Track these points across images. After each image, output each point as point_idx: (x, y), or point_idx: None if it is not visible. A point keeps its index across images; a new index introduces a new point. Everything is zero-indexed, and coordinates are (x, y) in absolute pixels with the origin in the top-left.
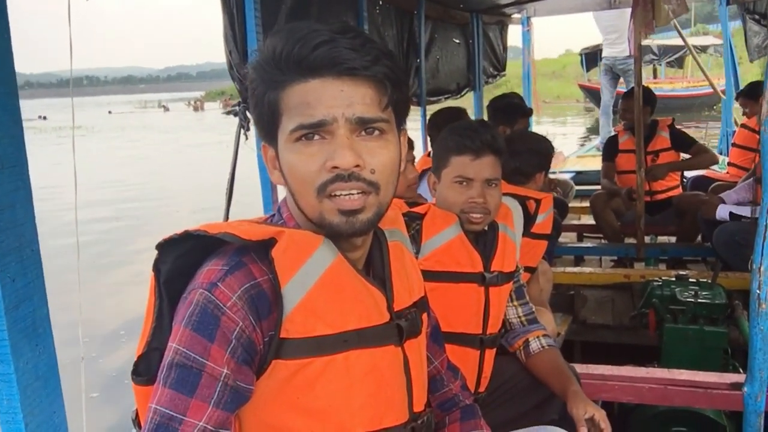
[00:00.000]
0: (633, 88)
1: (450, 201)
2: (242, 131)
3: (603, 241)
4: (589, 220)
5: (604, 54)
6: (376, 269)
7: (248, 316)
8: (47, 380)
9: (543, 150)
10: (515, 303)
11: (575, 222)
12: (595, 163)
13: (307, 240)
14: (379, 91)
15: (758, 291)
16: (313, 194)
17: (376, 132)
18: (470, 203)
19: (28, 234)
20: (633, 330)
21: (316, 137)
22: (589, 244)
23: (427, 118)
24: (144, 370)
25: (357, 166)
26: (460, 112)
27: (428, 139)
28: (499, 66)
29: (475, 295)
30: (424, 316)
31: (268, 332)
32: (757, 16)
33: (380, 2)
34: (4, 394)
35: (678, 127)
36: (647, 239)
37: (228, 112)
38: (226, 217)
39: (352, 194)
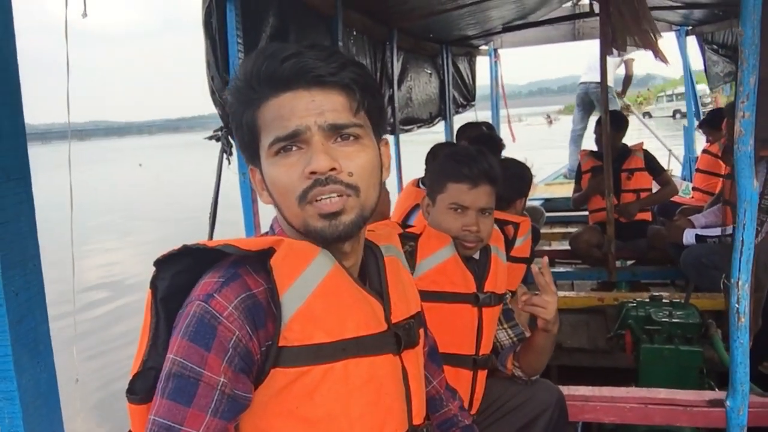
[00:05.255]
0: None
1: (444, 227)
2: (225, 156)
3: (576, 266)
4: (559, 245)
5: (580, 81)
6: (372, 282)
7: (245, 325)
8: (48, 398)
9: (524, 176)
10: (505, 326)
11: (546, 248)
12: (563, 191)
13: (306, 249)
14: (349, 97)
15: (737, 305)
16: (295, 203)
17: (351, 137)
18: (464, 231)
19: (31, 247)
20: (609, 352)
21: (294, 148)
22: (561, 269)
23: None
24: (139, 389)
25: (333, 169)
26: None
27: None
28: (469, 96)
29: (468, 316)
30: (421, 330)
31: (265, 342)
32: (715, 46)
33: (354, 32)
34: (6, 412)
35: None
36: (618, 264)
37: (210, 138)
38: None
39: (332, 197)
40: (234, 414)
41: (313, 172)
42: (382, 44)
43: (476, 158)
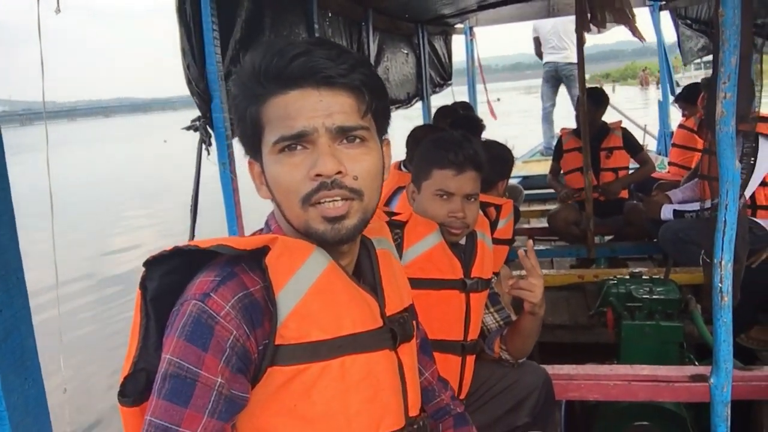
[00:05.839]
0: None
1: (430, 213)
2: (204, 146)
3: (554, 243)
4: (538, 223)
5: (545, 61)
6: (366, 276)
7: (242, 324)
8: (37, 416)
9: (506, 158)
10: (491, 310)
11: (525, 226)
12: (540, 168)
13: (301, 246)
14: (358, 99)
15: (720, 284)
16: (298, 204)
17: (358, 140)
18: (450, 217)
19: (13, 261)
20: (589, 329)
21: (299, 147)
22: (540, 247)
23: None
24: (130, 391)
25: (339, 172)
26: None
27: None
28: (446, 75)
29: (456, 302)
30: (414, 323)
31: (263, 341)
32: (688, 21)
33: (329, 13)
34: None
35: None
36: (596, 240)
37: (188, 128)
38: (192, 237)
39: (336, 201)
40: (231, 414)
41: (318, 175)
42: (358, 24)
43: (461, 144)
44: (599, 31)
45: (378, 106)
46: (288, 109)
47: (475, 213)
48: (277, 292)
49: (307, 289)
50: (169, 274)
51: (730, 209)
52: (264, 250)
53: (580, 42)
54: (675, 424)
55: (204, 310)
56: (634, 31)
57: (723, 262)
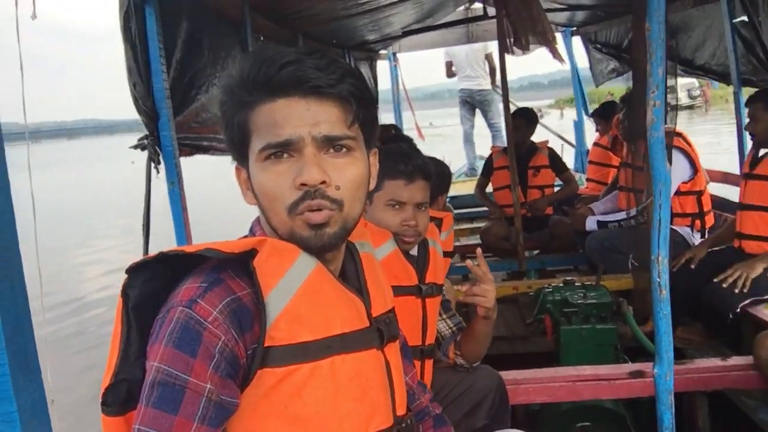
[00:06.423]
0: (520, 109)
1: (383, 223)
2: (153, 165)
3: (486, 258)
4: (467, 240)
5: (460, 87)
6: (351, 279)
7: (230, 330)
8: (41, 419)
9: (444, 174)
10: (444, 317)
11: (456, 243)
12: (466, 188)
13: (289, 248)
14: (345, 109)
15: (658, 279)
16: (284, 212)
17: (344, 149)
18: (403, 226)
19: (15, 261)
20: (527, 338)
21: (285, 156)
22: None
23: None
24: (112, 401)
25: (323, 182)
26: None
27: None
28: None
29: (413, 307)
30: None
31: (251, 345)
32: (598, 45)
33: (262, 38)
34: None
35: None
36: (526, 254)
37: (135, 147)
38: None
39: (318, 210)
40: (221, 420)
41: (303, 184)
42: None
43: (410, 155)
44: (523, 53)
45: (365, 116)
46: (275, 117)
47: (426, 221)
48: (266, 293)
49: (295, 290)
50: (150, 282)
51: (663, 208)
52: (251, 255)
53: (503, 64)
54: (615, 422)
55: (191, 317)
56: (554, 53)
57: (660, 258)
